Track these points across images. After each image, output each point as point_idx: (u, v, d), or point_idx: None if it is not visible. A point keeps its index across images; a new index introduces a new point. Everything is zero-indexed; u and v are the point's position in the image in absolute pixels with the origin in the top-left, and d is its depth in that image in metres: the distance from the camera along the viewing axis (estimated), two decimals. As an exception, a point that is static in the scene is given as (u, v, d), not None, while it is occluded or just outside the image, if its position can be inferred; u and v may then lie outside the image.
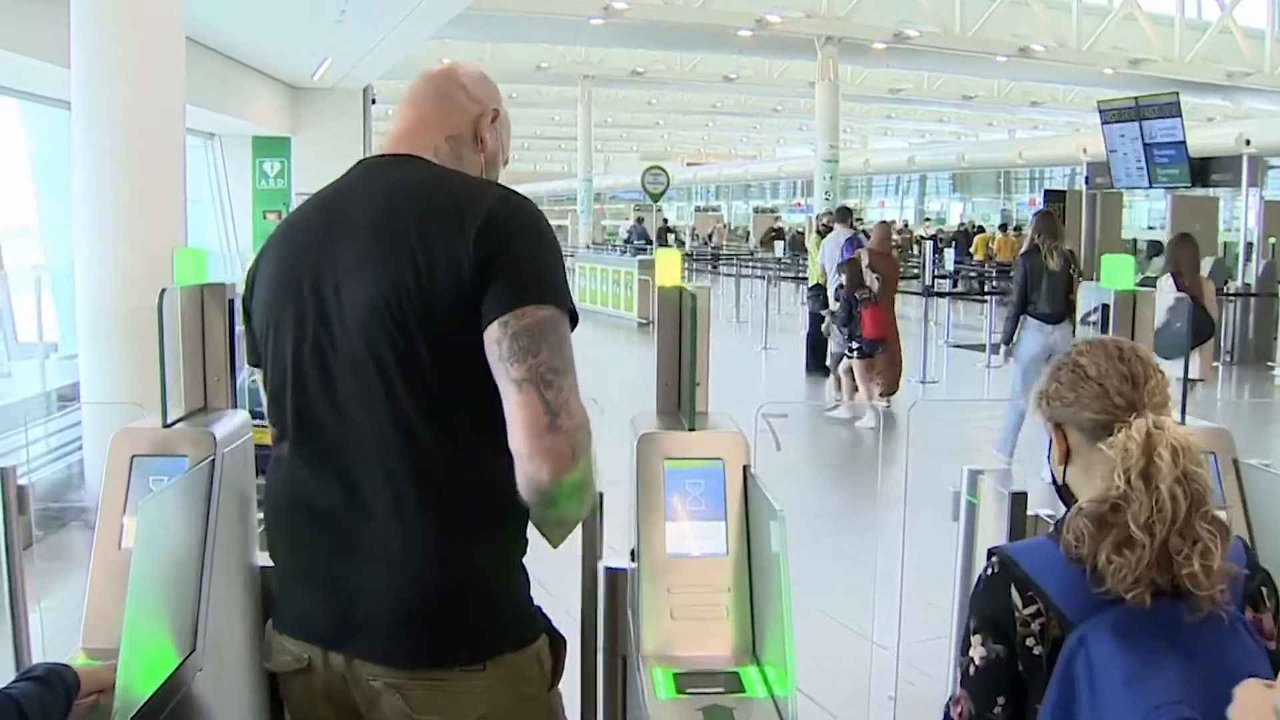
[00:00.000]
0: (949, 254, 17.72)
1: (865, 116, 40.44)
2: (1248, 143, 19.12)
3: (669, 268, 2.33)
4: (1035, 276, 8.06)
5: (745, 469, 2.14)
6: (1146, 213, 29.01)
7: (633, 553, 2.15)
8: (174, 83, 6.69)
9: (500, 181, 2.14)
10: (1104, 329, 2.59)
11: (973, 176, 43.92)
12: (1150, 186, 15.70)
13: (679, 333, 2.32)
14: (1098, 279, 2.65)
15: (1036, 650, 1.67)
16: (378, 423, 1.79)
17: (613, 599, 2.53)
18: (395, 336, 1.76)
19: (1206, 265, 14.79)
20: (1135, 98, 15.46)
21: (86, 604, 2.08)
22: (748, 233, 36.87)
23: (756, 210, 44.44)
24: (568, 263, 25.09)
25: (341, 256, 1.83)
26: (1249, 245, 15.06)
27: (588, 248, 28.36)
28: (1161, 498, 1.60)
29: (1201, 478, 1.64)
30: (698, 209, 48.61)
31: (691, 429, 2.20)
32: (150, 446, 2.15)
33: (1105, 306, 2.44)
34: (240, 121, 14.03)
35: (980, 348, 14.60)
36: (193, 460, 2.13)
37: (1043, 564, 1.71)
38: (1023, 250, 8.67)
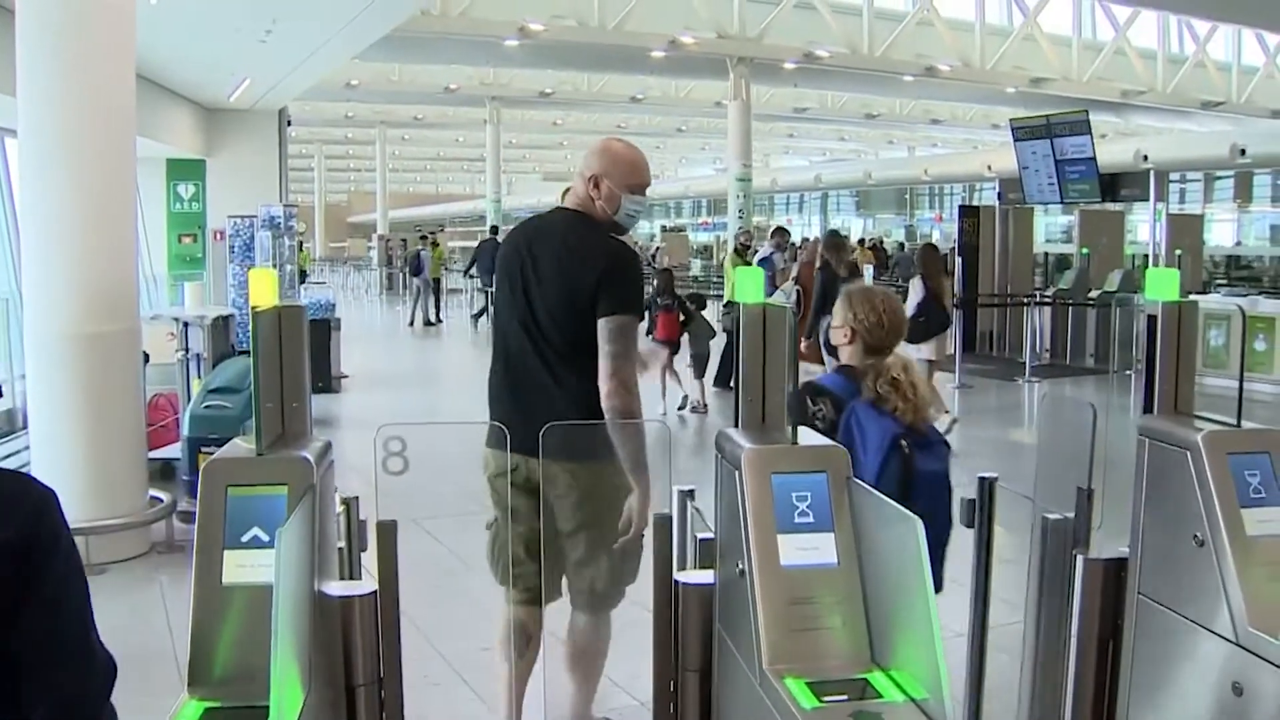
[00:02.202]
0: (869, 271, 18.05)
1: (768, 135, 40.98)
2: (1145, 158, 19.84)
3: (752, 286, 2.35)
4: (830, 284, 9.97)
5: (847, 479, 2.17)
6: (1045, 227, 29.84)
7: (739, 567, 2.16)
8: (125, 108, 6.57)
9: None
10: (1150, 339, 2.70)
11: (875, 194, 44.77)
12: (1062, 202, 16.14)
13: (763, 349, 2.35)
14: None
15: (822, 427, 3.19)
16: (554, 342, 3.53)
17: (688, 614, 2.54)
18: (566, 310, 3.51)
19: (1115, 277, 15.33)
20: (1046, 115, 15.89)
21: (191, 644, 2.02)
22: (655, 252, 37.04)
23: (664, 229, 44.68)
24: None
25: (541, 261, 3.60)
26: (1156, 257, 15.61)
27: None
28: (905, 388, 3.24)
29: (919, 378, 3.35)
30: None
31: (794, 443, 2.23)
32: (246, 476, 2.10)
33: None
34: (154, 144, 13.71)
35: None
36: (292, 489, 2.08)
37: (830, 381, 3.43)
38: (818, 265, 10.87)
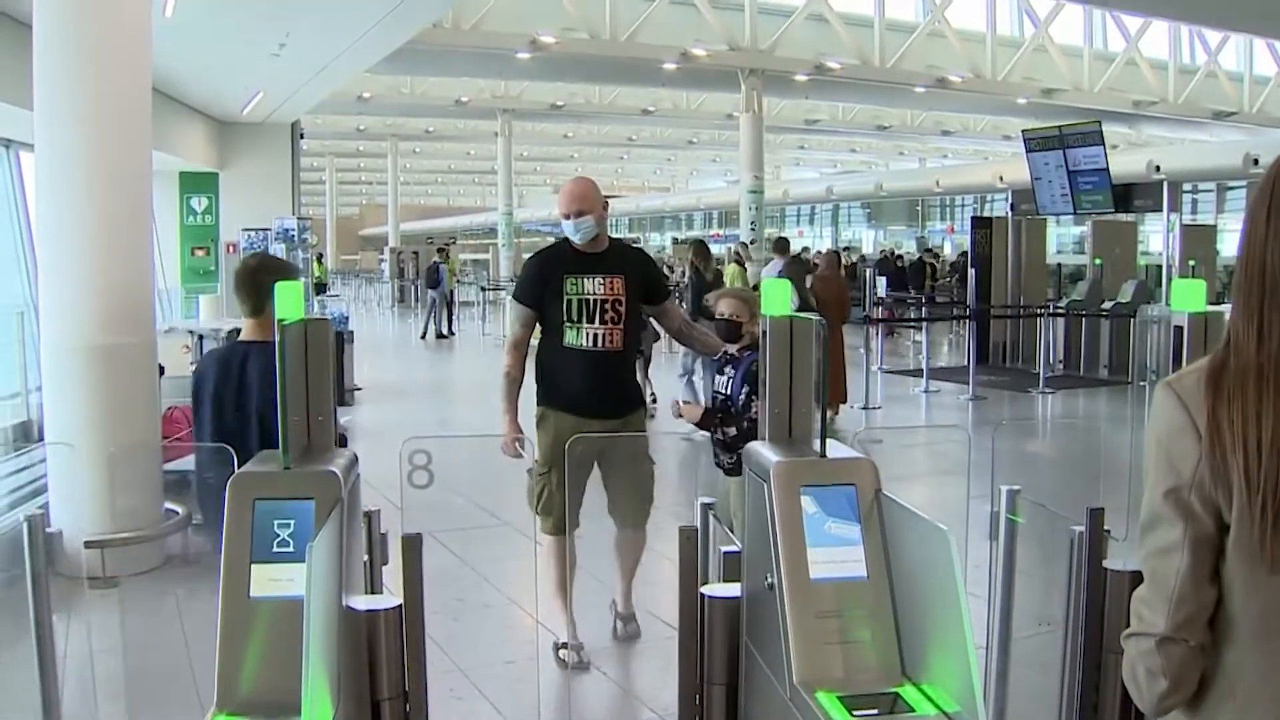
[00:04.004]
0: (881, 281, 18.08)
1: (779, 147, 40.99)
2: (1158, 169, 19.76)
3: (778, 298, 2.34)
4: (700, 288, 11.19)
5: (877, 492, 2.16)
6: (1057, 238, 29.77)
7: (768, 580, 2.15)
8: (141, 122, 6.59)
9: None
10: (1177, 349, 2.68)
11: (886, 205, 44.71)
12: (1075, 213, 16.11)
13: (790, 361, 2.33)
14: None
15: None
16: None
17: (713, 627, 2.53)
18: None
19: (1129, 288, 15.26)
20: (1059, 126, 15.85)
21: (218, 658, 2.01)
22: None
23: (675, 241, 44.69)
24: (496, 295, 24.87)
25: None
26: (1169, 267, 15.56)
27: (512, 281, 28.25)
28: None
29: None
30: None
31: (823, 455, 2.21)
32: (274, 490, 2.09)
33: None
34: (167, 157, 13.77)
35: (914, 373, 14.85)
36: (320, 502, 2.08)
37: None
38: (691, 272, 12.15)
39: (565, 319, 4.73)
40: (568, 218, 4.77)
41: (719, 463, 4.76)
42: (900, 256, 29.71)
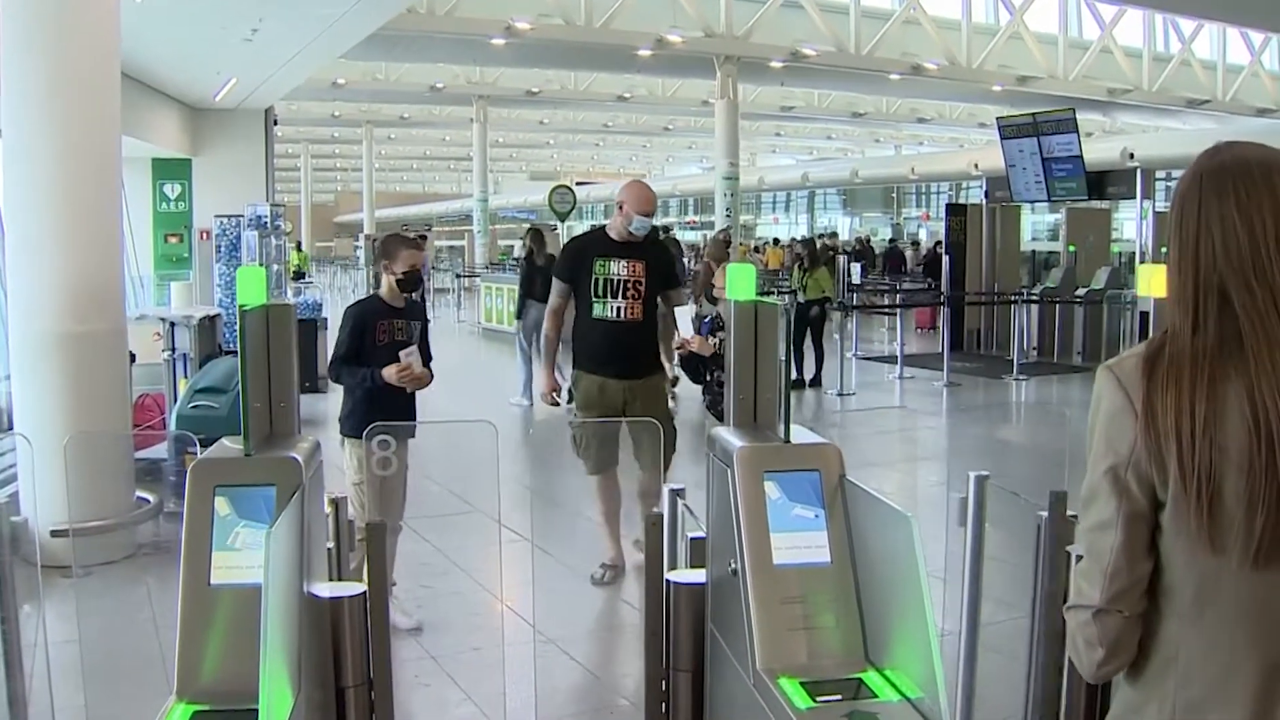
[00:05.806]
0: (855, 268, 18.06)
1: (755, 134, 40.97)
2: (1131, 156, 19.85)
3: (743, 283, 2.34)
4: (533, 273, 11.70)
5: (841, 478, 2.16)
6: (1031, 225, 29.79)
7: (731, 566, 2.15)
8: (110, 107, 6.53)
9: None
10: (1143, 333, 2.70)
11: (861, 192, 44.78)
12: (1049, 200, 16.16)
13: (755, 347, 2.33)
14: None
15: None
16: None
17: (679, 613, 2.53)
18: None
19: (1103, 275, 15.32)
20: (1033, 114, 15.89)
21: (178, 647, 1.99)
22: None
23: (655, 230, 44.70)
24: (471, 283, 24.80)
25: None
26: (1143, 254, 15.63)
27: (487, 268, 28.17)
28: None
29: None
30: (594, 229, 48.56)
31: (786, 441, 2.21)
32: (234, 477, 2.07)
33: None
34: (140, 143, 13.64)
35: (889, 359, 14.88)
36: (281, 488, 2.06)
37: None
38: (525, 256, 12.99)
39: (594, 294, 5.62)
40: (644, 214, 5.66)
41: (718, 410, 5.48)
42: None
